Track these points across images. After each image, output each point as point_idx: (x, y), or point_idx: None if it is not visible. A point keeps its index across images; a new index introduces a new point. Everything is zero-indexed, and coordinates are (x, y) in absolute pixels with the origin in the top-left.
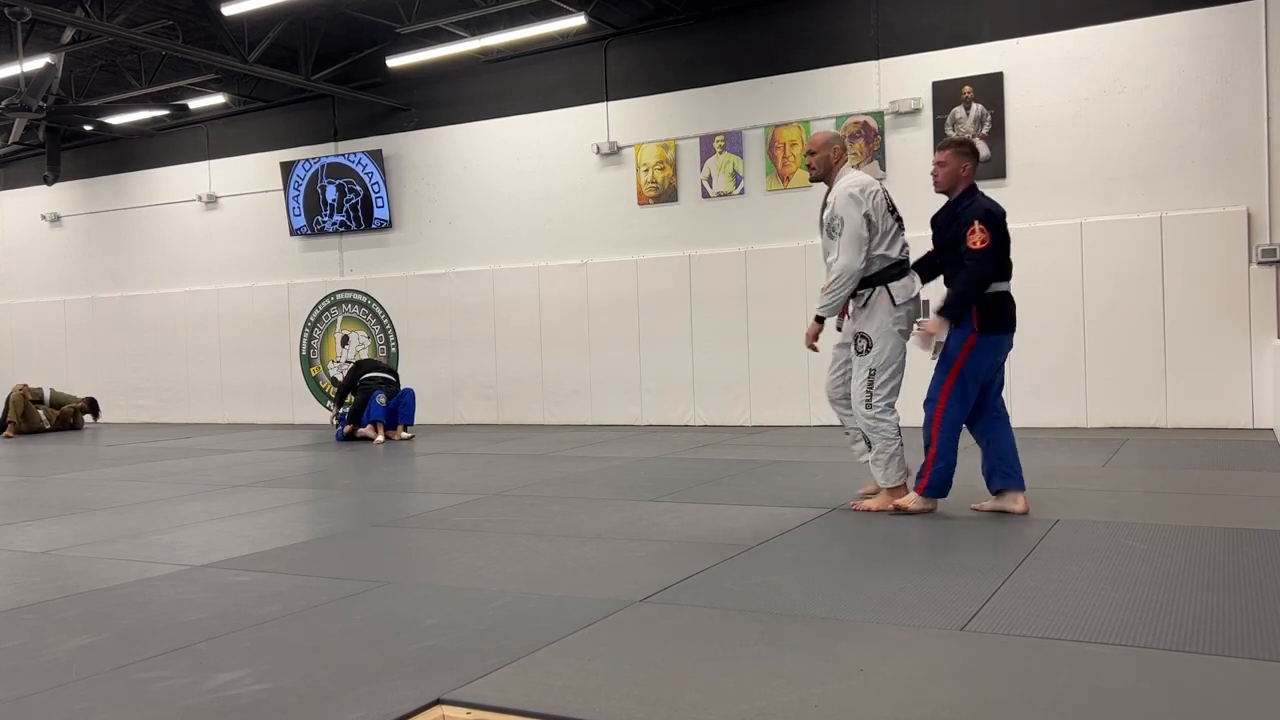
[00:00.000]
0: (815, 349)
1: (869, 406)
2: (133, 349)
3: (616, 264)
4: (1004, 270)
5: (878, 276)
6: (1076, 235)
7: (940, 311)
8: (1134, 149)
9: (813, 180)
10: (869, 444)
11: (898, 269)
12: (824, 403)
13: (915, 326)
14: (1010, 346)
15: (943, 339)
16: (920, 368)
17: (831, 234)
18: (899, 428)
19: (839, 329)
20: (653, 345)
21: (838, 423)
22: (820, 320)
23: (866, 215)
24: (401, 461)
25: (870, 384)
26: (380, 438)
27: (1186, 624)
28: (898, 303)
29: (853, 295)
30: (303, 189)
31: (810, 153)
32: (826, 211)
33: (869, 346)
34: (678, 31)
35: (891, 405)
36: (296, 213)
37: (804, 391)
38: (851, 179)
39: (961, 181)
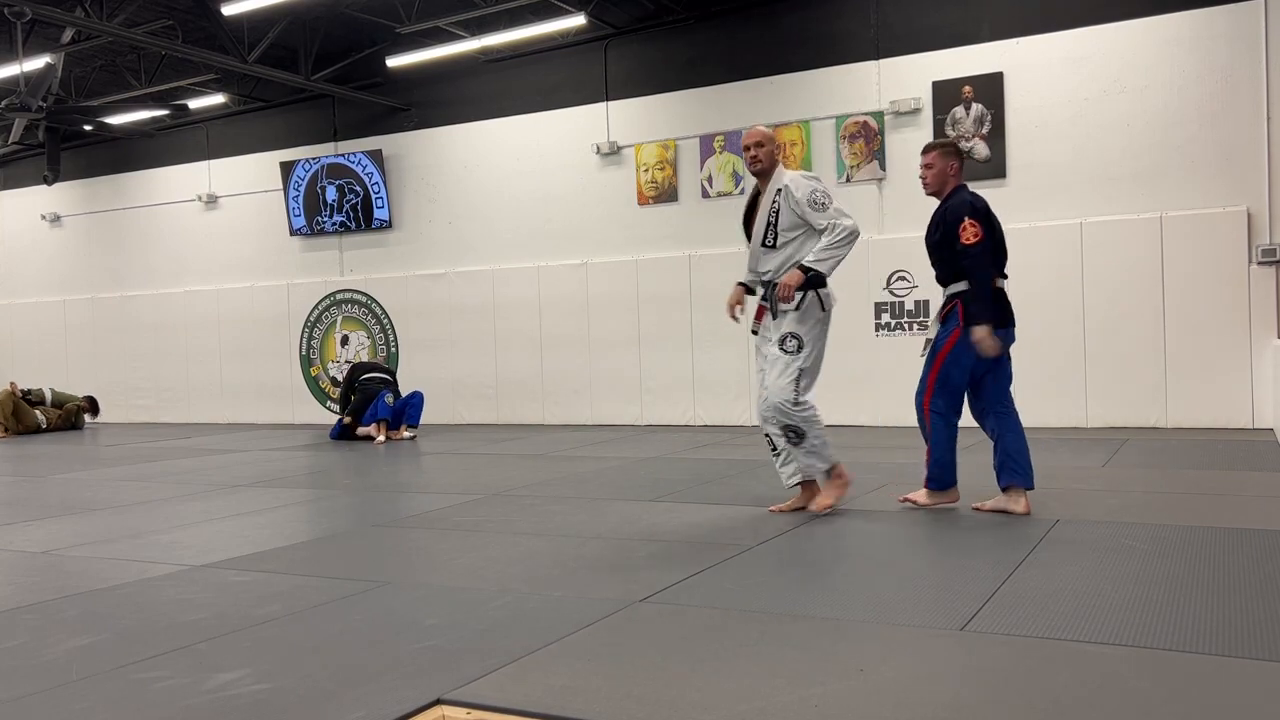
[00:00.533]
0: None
1: (797, 404)
2: (133, 349)
3: (616, 264)
4: (995, 264)
5: (812, 280)
6: (1076, 235)
7: (970, 322)
8: (1134, 149)
9: (756, 173)
10: (801, 436)
11: (823, 277)
12: (822, 402)
13: (973, 345)
14: (1008, 340)
15: (994, 346)
16: (913, 370)
17: (820, 207)
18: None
19: (754, 331)
20: (653, 345)
21: (838, 423)
22: (806, 271)
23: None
24: (401, 461)
25: (797, 384)
26: (382, 437)
27: (1186, 624)
28: (826, 308)
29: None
30: (303, 190)
31: (759, 144)
32: (782, 196)
33: (799, 347)
34: (678, 31)
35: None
36: (296, 213)
37: None
38: (797, 172)
39: (950, 181)
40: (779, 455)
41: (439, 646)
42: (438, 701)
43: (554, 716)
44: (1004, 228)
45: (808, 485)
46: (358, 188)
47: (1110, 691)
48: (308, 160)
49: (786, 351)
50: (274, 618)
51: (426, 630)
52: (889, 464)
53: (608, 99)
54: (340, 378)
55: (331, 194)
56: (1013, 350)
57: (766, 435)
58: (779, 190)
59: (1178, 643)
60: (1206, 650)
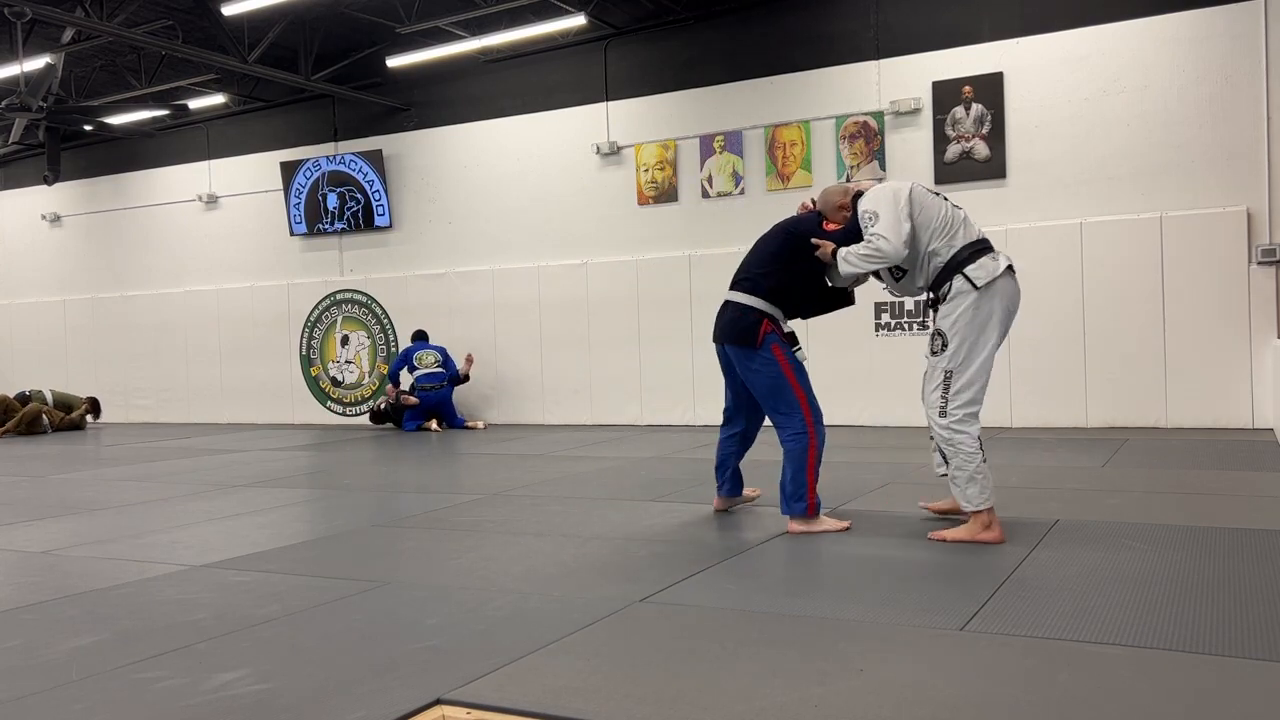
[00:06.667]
0: None
1: (942, 417)
2: (133, 349)
3: (616, 264)
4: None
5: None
6: (1076, 235)
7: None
8: (1134, 149)
9: None
10: (944, 459)
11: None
12: (822, 402)
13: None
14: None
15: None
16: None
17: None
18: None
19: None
20: (653, 345)
21: (839, 422)
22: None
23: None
24: (402, 461)
25: (945, 390)
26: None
27: (1186, 624)
28: (978, 286)
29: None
30: (304, 196)
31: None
32: None
33: (944, 345)
34: (678, 31)
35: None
36: (298, 220)
37: None
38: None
39: None
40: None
41: (439, 646)
42: (438, 701)
43: (554, 716)
44: (1004, 228)
45: None
46: (359, 195)
47: (1110, 691)
48: (309, 167)
49: (933, 353)
50: (274, 618)
51: (426, 630)
52: (889, 464)
53: (608, 99)
54: (340, 378)
55: (333, 201)
56: (1012, 348)
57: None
58: None
59: (1178, 643)
60: (1206, 650)
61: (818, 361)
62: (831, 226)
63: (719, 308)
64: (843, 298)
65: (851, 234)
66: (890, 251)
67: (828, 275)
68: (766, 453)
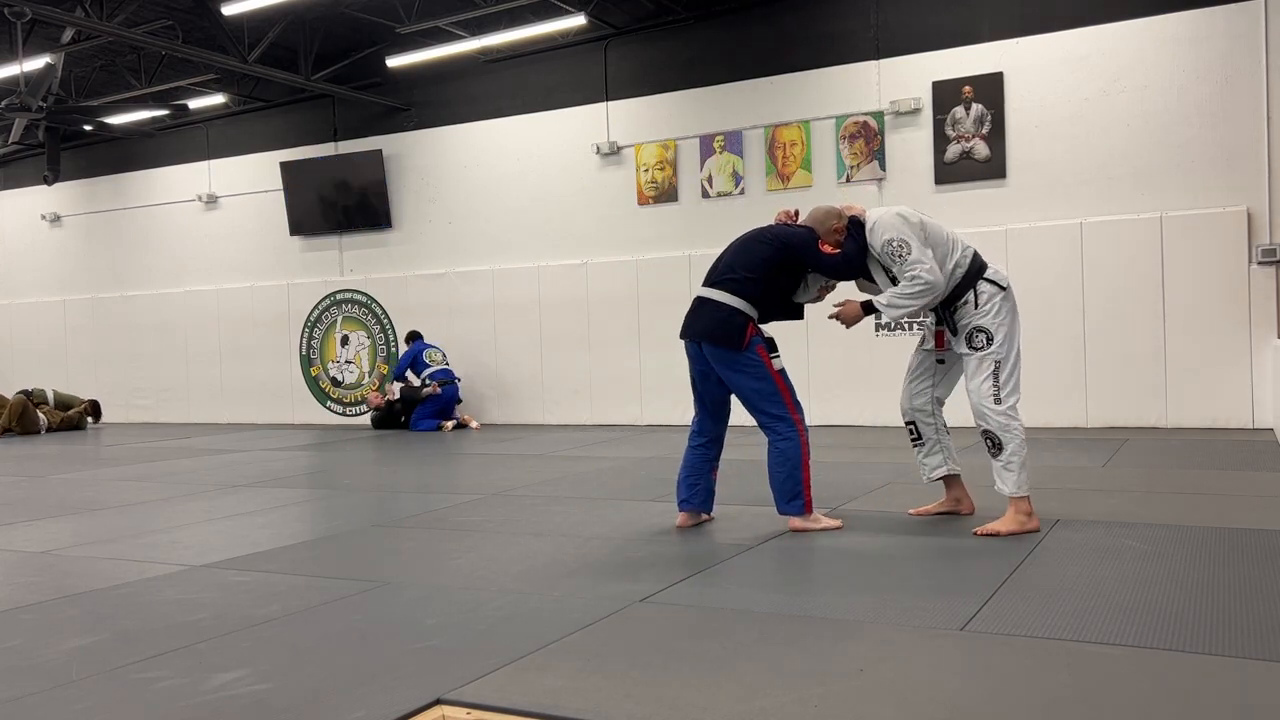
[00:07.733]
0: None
1: (998, 403)
2: (133, 349)
3: (616, 264)
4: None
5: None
6: (1076, 235)
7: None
8: (1134, 149)
9: None
10: (998, 447)
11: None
12: (822, 402)
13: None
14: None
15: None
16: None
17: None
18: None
19: (940, 360)
20: (653, 345)
21: (839, 423)
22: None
23: None
24: (401, 461)
25: (996, 379)
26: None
27: (1186, 624)
28: (1004, 286)
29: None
30: (304, 197)
31: None
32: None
33: (989, 340)
34: (678, 31)
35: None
36: (298, 221)
37: (803, 391)
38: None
39: None
40: (922, 445)
41: (439, 646)
42: (438, 701)
43: (554, 716)
44: (1004, 228)
45: (951, 484)
46: (359, 195)
47: (1110, 691)
48: (309, 167)
49: (975, 348)
50: (274, 618)
51: (426, 630)
52: (890, 464)
53: (608, 99)
54: (340, 378)
55: (333, 201)
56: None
57: (910, 424)
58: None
59: (1178, 643)
60: (1206, 650)
61: (818, 361)
62: (826, 248)
63: (693, 302)
64: (798, 311)
65: (851, 259)
66: (936, 281)
67: (795, 294)
68: (743, 453)
